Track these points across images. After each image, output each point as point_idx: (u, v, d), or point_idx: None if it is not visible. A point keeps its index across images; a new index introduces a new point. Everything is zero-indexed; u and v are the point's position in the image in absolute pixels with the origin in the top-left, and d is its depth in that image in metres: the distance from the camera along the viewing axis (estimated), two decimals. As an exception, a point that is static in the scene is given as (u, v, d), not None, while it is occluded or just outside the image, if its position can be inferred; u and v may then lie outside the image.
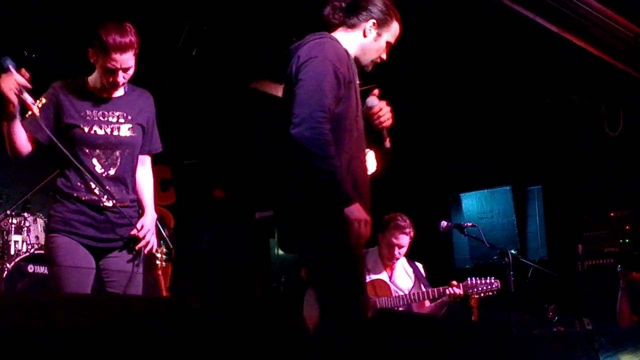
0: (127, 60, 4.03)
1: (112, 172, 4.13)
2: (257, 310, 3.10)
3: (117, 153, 4.14)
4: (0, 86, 3.81)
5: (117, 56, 3.98)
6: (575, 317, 5.96)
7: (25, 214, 6.66)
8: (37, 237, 6.72)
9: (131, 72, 4.10)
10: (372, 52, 3.98)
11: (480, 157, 8.82)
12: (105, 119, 4.12)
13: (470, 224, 6.31)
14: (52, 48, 7.05)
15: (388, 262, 6.40)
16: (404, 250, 6.36)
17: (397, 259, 6.39)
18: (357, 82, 3.89)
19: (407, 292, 6.25)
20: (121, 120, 4.16)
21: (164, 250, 5.93)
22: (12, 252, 6.38)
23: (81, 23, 6.03)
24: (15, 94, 3.83)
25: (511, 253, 5.84)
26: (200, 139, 8.88)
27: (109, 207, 4.10)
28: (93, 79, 4.16)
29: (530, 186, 8.77)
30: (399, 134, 4.42)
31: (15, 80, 3.83)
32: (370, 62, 4.02)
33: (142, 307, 2.80)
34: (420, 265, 6.55)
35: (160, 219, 5.22)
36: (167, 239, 6.13)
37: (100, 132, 4.09)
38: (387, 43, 4.00)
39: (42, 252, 6.42)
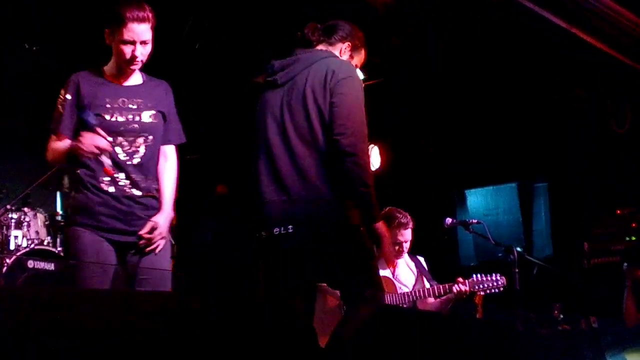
0: (144, 32, 3.97)
1: (136, 160, 4.04)
2: (259, 308, 3.05)
3: (140, 140, 4.06)
4: (83, 145, 3.85)
5: (134, 26, 3.92)
6: (581, 316, 5.91)
7: (26, 209, 6.63)
8: (37, 232, 6.69)
9: (148, 49, 4.03)
10: None
11: (485, 154, 8.76)
12: (126, 106, 4.06)
13: (476, 221, 6.26)
14: (53, 43, 7.02)
15: (393, 258, 6.35)
16: (408, 243, 6.31)
17: (404, 253, 6.35)
18: None
19: (410, 288, 6.20)
20: (141, 107, 4.10)
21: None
22: (12, 247, 6.34)
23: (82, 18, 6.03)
24: (95, 155, 3.88)
25: (517, 250, 5.79)
26: (203, 134, 8.84)
27: (135, 196, 4.02)
28: (109, 67, 4.12)
29: (536, 183, 8.71)
30: (405, 130, 4.44)
31: (98, 143, 3.86)
32: None
33: (143, 303, 2.75)
34: (421, 259, 6.50)
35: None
36: (169, 235, 6.08)
37: (121, 119, 4.02)
38: (355, 66, 4.19)
39: (42, 247, 6.40)
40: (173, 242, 4.96)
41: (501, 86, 8.16)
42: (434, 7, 6.78)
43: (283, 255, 3.98)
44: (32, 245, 6.36)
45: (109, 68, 4.12)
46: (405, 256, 6.44)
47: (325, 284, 5.09)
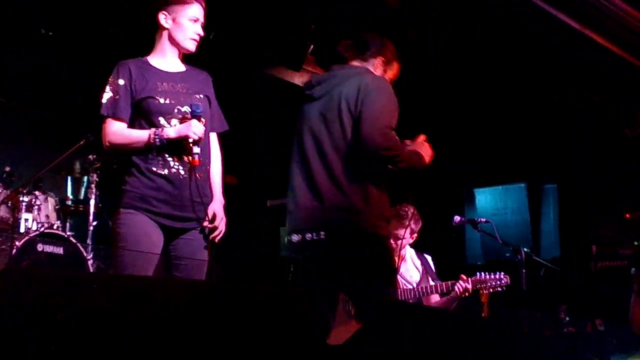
0: (204, 14, 4.21)
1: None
2: (266, 296, 3.07)
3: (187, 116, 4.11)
4: (191, 129, 3.98)
5: (198, 6, 4.16)
6: (587, 318, 5.90)
7: (37, 193, 6.64)
8: (47, 216, 6.71)
9: (201, 32, 4.21)
10: None
11: (495, 154, 8.75)
12: (176, 90, 4.12)
13: (484, 220, 6.24)
14: (68, 30, 7.03)
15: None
16: (401, 242, 6.18)
17: (396, 250, 6.27)
18: None
19: (415, 285, 6.19)
20: (190, 91, 4.17)
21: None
22: (22, 230, 6.36)
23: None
24: (195, 141, 4.00)
25: (524, 251, 5.79)
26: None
27: (188, 181, 4.04)
28: (154, 56, 4.20)
29: (545, 184, 8.70)
30: (415, 128, 4.51)
31: (200, 130, 4.01)
32: None
33: (152, 288, 2.77)
34: (429, 258, 6.48)
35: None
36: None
37: (174, 102, 4.08)
38: (390, 81, 4.44)
39: (52, 231, 6.42)
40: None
41: (514, 86, 8.14)
42: (437, 6, 6.80)
43: (313, 260, 4.24)
44: (42, 229, 6.37)
45: (152, 58, 4.20)
46: (413, 253, 6.41)
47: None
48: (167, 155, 4.01)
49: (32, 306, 2.40)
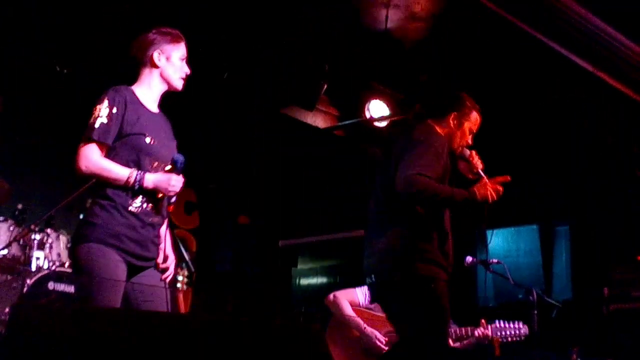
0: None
1: None
2: (278, 335, 3.05)
3: (169, 168, 4.11)
4: (170, 184, 4.01)
5: (184, 44, 4.25)
6: (600, 360, 5.87)
7: (48, 230, 6.64)
8: (59, 255, 6.70)
9: (189, 71, 4.29)
10: (457, 138, 4.69)
11: (508, 195, 8.72)
12: (160, 132, 4.14)
13: (496, 261, 6.22)
14: (83, 65, 7.09)
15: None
16: None
17: None
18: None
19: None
20: (169, 134, 4.22)
21: (186, 273, 5.90)
22: (34, 268, 6.35)
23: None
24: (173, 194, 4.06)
25: (536, 292, 5.76)
26: (226, 163, 8.88)
27: (156, 223, 4.07)
28: (141, 92, 4.18)
29: (557, 226, 8.67)
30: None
31: (178, 187, 4.04)
32: (459, 146, 4.71)
33: (162, 324, 2.76)
34: None
35: (183, 242, 5.19)
36: (190, 262, 6.07)
37: (157, 143, 4.08)
38: (470, 130, 4.73)
39: (64, 269, 6.41)
40: (193, 270, 4.99)
41: (528, 125, 8.16)
42: (458, 43, 6.85)
43: (376, 301, 4.86)
44: (54, 267, 6.36)
45: (139, 91, 4.18)
46: None
47: None
48: (142, 196, 4.01)
49: (44, 339, 2.41)
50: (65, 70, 6.92)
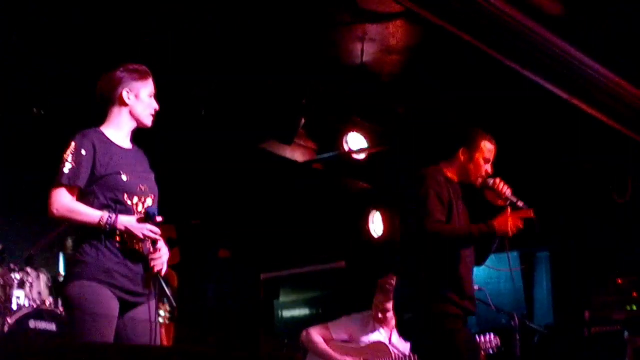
0: None
1: None
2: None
3: (149, 201, 4.15)
4: (142, 232, 4.00)
5: (151, 80, 4.24)
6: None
7: (28, 269, 6.60)
8: (39, 293, 6.66)
9: (157, 107, 4.30)
10: (472, 171, 4.81)
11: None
12: (135, 167, 4.16)
13: (477, 287, 6.24)
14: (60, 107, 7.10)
15: (379, 323, 6.39)
16: (389, 314, 6.26)
17: (384, 321, 6.36)
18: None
19: (408, 353, 6.17)
20: (145, 168, 4.25)
21: (168, 308, 5.89)
22: (14, 308, 6.32)
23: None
24: (152, 240, 4.06)
25: (518, 317, 5.79)
26: (206, 199, 8.88)
27: (144, 257, 4.07)
28: (110, 131, 4.19)
29: (538, 252, 8.71)
30: None
31: (156, 233, 4.04)
32: (477, 178, 4.83)
33: (146, 356, 2.77)
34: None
35: (164, 278, 5.17)
36: (171, 297, 6.05)
37: (134, 179, 4.11)
38: (484, 159, 4.83)
39: (45, 308, 6.38)
40: (174, 305, 4.98)
41: (503, 155, 8.22)
42: (438, 76, 6.91)
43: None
44: (35, 306, 6.33)
45: (107, 130, 4.20)
46: (396, 336, 6.37)
47: None
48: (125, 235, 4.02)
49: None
50: (42, 112, 6.93)
